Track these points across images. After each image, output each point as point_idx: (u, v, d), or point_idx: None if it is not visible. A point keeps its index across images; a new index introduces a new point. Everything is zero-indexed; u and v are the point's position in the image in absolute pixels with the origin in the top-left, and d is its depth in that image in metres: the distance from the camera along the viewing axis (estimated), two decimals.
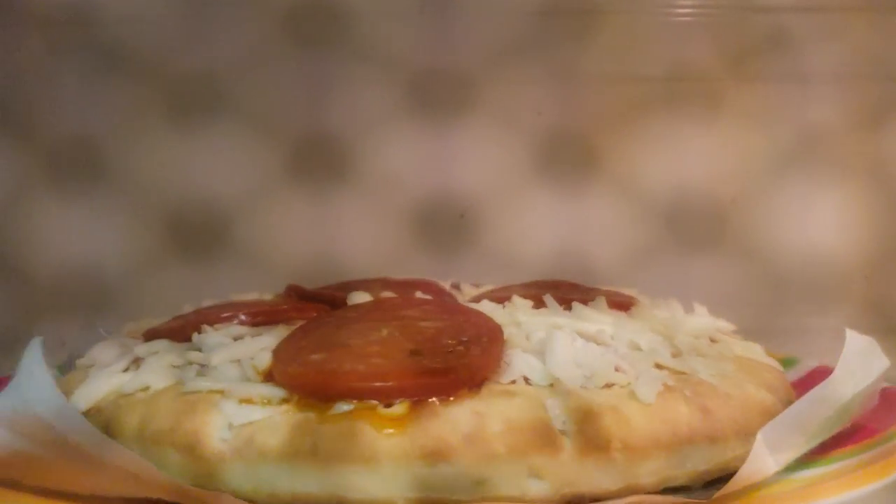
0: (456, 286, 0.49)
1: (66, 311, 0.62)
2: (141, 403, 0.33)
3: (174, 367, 0.35)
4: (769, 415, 0.34)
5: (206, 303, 0.45)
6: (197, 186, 0.62)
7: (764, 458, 0.31)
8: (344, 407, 0.30)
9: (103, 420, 0.33)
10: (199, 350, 0.36)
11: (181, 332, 0.38)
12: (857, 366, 0.34)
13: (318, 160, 0.62)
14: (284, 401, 0.32)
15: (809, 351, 0.46)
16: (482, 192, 0.63)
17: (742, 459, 0.31)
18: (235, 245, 0.63)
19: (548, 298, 0.40)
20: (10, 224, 0.62)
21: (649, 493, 0.31)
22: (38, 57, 0.61)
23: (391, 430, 0.30)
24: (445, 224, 0.63)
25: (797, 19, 0.61)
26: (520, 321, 0.36)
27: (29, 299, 0.62)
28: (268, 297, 0.47)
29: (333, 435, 0.30)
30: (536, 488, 0.30)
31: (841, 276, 0.62)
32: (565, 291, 0.43)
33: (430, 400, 0.31)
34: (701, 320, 0.42)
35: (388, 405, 0.30)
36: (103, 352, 0.39)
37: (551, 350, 0.33)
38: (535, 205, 0.63)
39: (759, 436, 0.31)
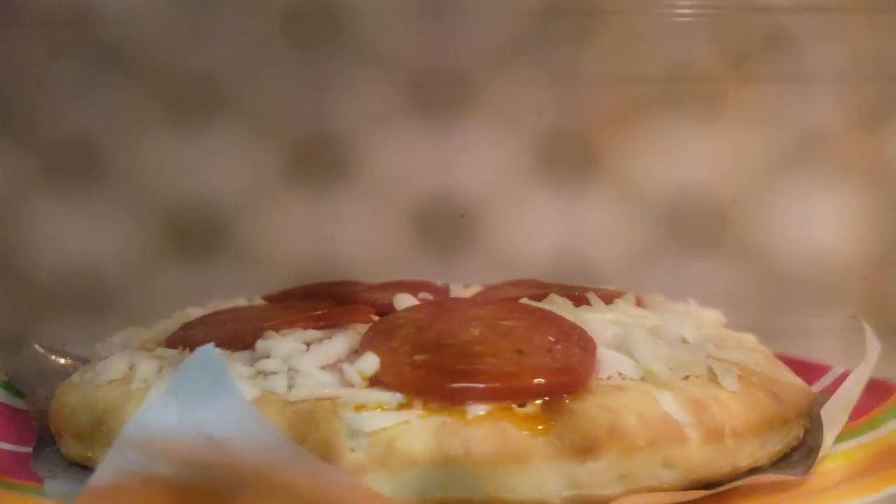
0: (446, 288, 0.49)
1: (66, 312, 0.62)
2: None
3: (245, 377, 0.33)
4: (808, 397, 0.37)
5: (194, 310, 0.44)
6: (196, 187, 0.62)
7: (826, 436, 0.34)
8: (479, 408, 0.30)
9: None
10: (267, 357, 0.34)
11: (238, 340, 0.35)
12: (871, 348, 0.36)
13: (318, 160, 0.62)
14: (403, 405, 0.31)
15: (810, 350, 0.46)
16: (482, 193, 0.63)
17: (797, 438, 0.35)
18: (235, 245, 0.63)
19: (591, 296, 0.40)
20: (9, 225, 0.62)
21: (745, 474, 0.32)
22: (37, 57, 0.60)
23: (535, 430, 0.30)
24: (445, 224, 0.63)
25: (797, 19, 0.61)
26: (585, 318, 0.37)
27: (28, 300, 0.62)
28: (260, 302, 0.46)
29: (483, 437, 0.29)
30: (669, 477, 0.31)
31: (841, 276, 0.62)
32: (557, 290, 0.42)
33: (560, 398, 0.31)
34: (711, 314, 0.43)
35: (521, 405, 0.30)
36: (143, 365, 0.35)
37: (637, 345, 0.34)
38: (535, 205, 0.63)
39: (823, 415, 0.34)
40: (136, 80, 0.61)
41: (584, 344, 0.33)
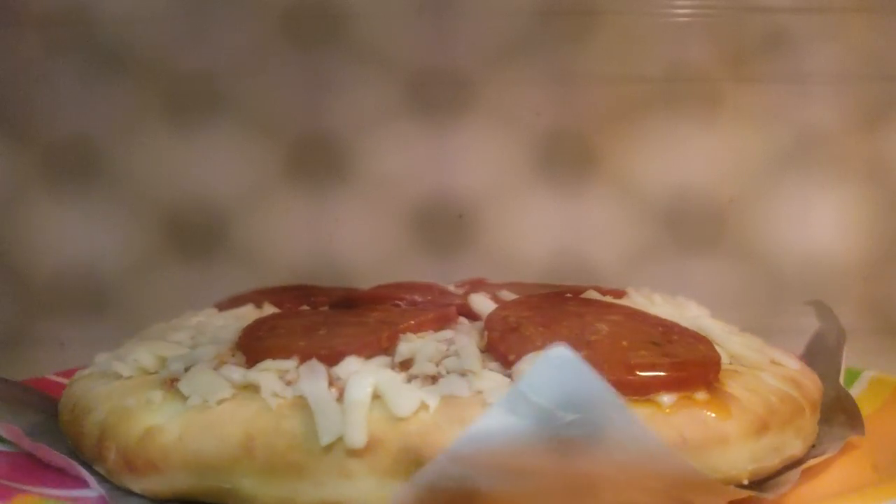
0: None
1: (64, 312, 0.62)
2: (445, 426, 0.29)
3: (399, 381, 0.32)
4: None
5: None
6: (195, 186, 0.62)
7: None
8: (667, 398, 0.31)
9: (403, 452, 0.29)
10: (411, 359, 0.33)
11: (374, 344, 0.34)
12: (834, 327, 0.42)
13: (317, 160, 0.62)
14: None
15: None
16: (481, 193, 0.63)
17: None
18: (233, 245, 0.63)
19: (631, 291, 0.43)
20: (8, 225, 0.62)
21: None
22: (35, 56, 0.60)
23: (722, 414, 0.32)
24: (444, 224, 0.63)
25: (795, 20, 0.61)
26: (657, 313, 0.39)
27: (26, 300, 0.62)
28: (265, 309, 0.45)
29: (691, 424, 0.31)
30: (799, 447, 0.34)
31: (839, 276, 0.62)
32: (532, 289, 0.44)
33: (717, 384, 0.33)
34: (695, 305, 0.45)
35: (695, 392, 0.32)
36: (266, 380, 0.32)
37: (713, 333, 0.36)
38: (533, 205, 0.63)
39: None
40: (134, 79, 0.61)
41: (695, 335, 0.35)
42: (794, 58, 0.61)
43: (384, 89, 0.62)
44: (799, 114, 0.62)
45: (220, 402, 0.32)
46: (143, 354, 0.37)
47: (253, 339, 0.35)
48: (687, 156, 0.63)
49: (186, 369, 0.34)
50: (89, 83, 0.61)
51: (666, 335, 0.34)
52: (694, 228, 0.63)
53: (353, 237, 0.63)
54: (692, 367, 0.32)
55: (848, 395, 0.37)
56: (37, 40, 0.60)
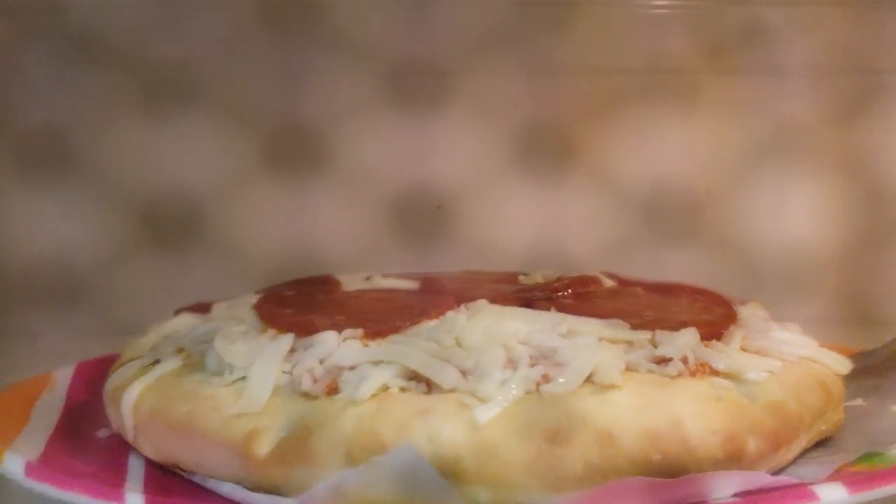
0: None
1: (37, 305, 0.61)
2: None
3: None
4: None
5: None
6: (170, 177, 0.61)
7: None
8: None
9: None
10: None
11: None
12: None
13: (294, 151, 0.62)
14: None
15: None
16: (459, 184, 0.63)
17: None
18: (209, 237, 0.62)
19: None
20: None
21: None
22: (7, 44, 0.59)
23: None
24: (422, 215, 0.63)
25: (773, 12, 0.61)
26: None
27: None
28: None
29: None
30: None
31: (814, 267, 0.63)
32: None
33: None
34: None
35: None
36: (443, 374, 0.32)
37: None
38: (512, 196, 0.63)
39: None
40: (109, 68, 0.60)
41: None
42: (772, 50, 0.61)
43: (362, 79, 0.61)
44: (775, 106, 0.62)
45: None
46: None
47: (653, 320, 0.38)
48: (665, 147, 0.63)
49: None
50: (62, 71, 0.60)
51: None
52: (671, 219, 0.63)
53: (331, 228, 0.62)
54: None
55: None
56: (9, 28, 0.59)
